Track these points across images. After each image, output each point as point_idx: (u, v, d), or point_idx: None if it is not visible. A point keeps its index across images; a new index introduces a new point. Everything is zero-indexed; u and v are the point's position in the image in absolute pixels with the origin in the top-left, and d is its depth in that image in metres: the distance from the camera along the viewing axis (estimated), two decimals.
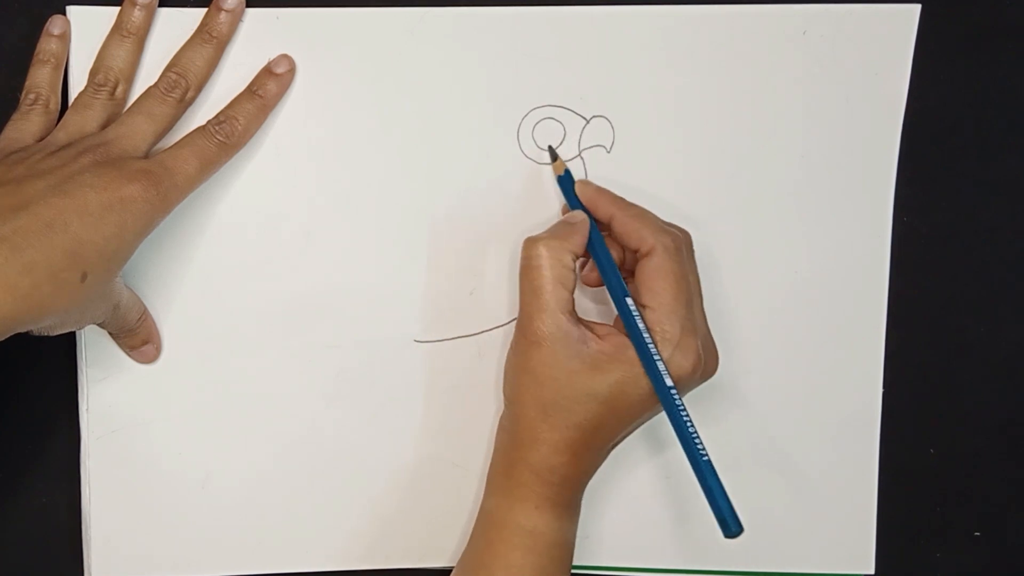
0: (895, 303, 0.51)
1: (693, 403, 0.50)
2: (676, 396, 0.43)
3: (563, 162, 0.49)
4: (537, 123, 0.50)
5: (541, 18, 0.49)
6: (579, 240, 0.45)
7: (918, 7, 0.49)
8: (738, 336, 0.51)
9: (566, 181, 0.48)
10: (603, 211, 0.47)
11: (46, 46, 0.48)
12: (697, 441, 0.43)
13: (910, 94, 0.50)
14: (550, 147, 0.49)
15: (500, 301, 0.50)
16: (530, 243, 0.45)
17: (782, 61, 0.50)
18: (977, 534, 0.53)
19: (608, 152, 0.50)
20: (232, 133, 0.47)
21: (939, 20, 0.50)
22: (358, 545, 0.51)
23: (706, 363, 0.45)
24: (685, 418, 0.43)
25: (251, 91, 0.48)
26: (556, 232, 0.45)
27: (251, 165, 0.49)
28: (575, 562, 0.51)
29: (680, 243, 0.45)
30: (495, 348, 0.50)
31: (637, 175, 0.50)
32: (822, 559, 0.52)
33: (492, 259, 0.50)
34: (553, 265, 0.44)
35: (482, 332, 0.50)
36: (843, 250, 0.51)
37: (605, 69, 0.49)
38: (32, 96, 0.47)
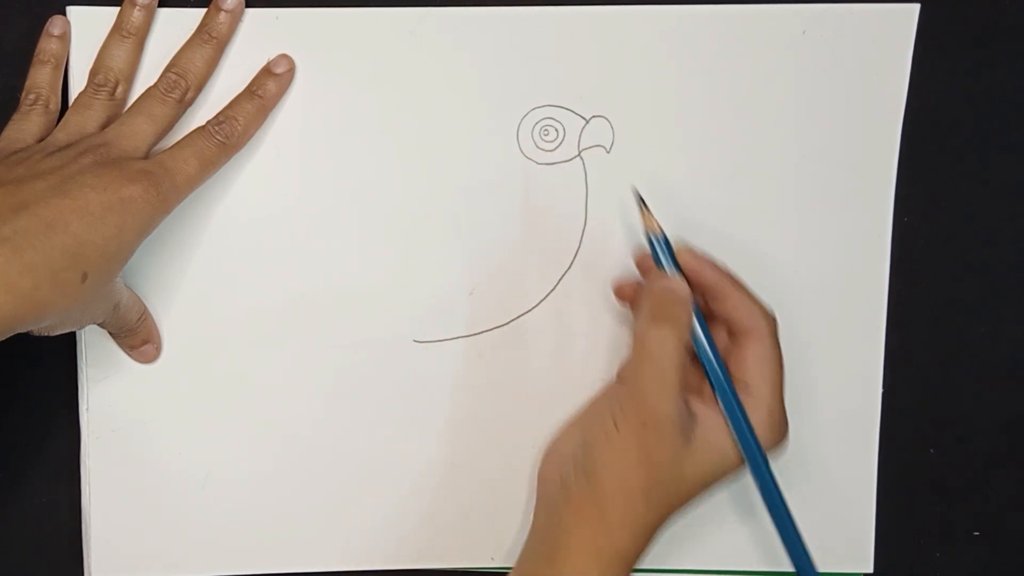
0: (895, 303, 0.51)
1: None
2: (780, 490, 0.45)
3: (654, 218, 0.46)
4: (536, 123, 0.50)
5: (541, 18, 0.49)
6: (691, 317, 0.44)
7: (917, 7, 0.49)
8: None
9: (663, 242, 0.46)
10: (714, 287, 0.45)
11: (46, 46, 0.48)
12: (799, 533, 0.45)
13: (910, 94, 0.50)
14: (637, 192, 0.47)
15: (500, 302, 0.50)
16: (652, 330, 0.43)
17: (782, 61, 0.49)
18: (977, 534, 0.53)
19: (608, 152, 0.50)
20: (232, 133, 0.47)
21: (939, 20, 0.50)
22: (358, 545, 0.51)
23: None
24: (788, 512, 0.45)
25: (251, 91, 0.48)
26: (670, 314, 0.44)
27: (250, 165, 0.49)
28: None
29: (776, 322, 0.45)
30: (495, 349, 0.50)
31: (637, 175, 0.49)
32: (821, 558, 0.51)
33: (492, 259, 0.50)
34: (680, 355, 0.43)
35: (482, 332, 0.50)
36: (843, 250, 0.51)
37: (604, 69, 0.49)
38: (32, 96, 0.47)
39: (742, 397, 0.44)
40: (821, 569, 0.51)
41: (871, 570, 0.52)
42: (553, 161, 0.50)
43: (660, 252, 0.46)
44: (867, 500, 0.52)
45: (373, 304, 0.50)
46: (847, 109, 0.50)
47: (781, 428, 0.45)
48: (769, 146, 0.50)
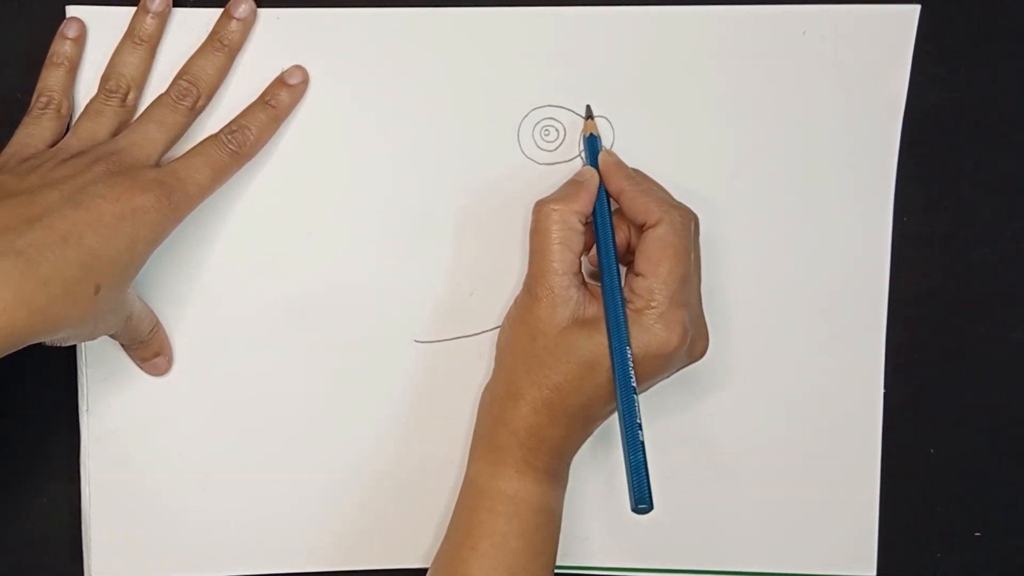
0: (895, 303, 0.51)
1: (692, 403, 0.50)
2: (630, 367, 0.43)
3: (595, 123, 0.49)
4: (537, 123, 0.50)
5: (541, 18, 0.49)
6: (587, 200, 0.45)
7: (917, 8, 0.49)
8: (739, 336, 0.51)
9: (592, 142, 0.48)
10: (614, 184, 0.46)
11: (60, 48, 0.48)
12: (637, 417, 0.42)
13: (910, 94, 0.50)
14: (588, 106, 0.49)
15: (501, 301, 0.50)
16: (540, 205, 0.45)
17: (782, 62, 0.49)
18: (977, 534, 0.53)
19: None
20: (244, 143, 0.47)
21: (939, 20, 0.50)
22: (359, 545, 0.51)
23: (693, 341, 0.44)
24: (631, 387, 0.42)
25: (263, 101, 0.48)
26: (564, 194, 0.46)
27: (251, 166, 0.49)
28: (574, 562, 0.51)
29: (688, 220, 0.45)
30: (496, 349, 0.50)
31: None
32: (824, 560, 0.52)
33: (492, 259, 0.50)
34: (560, 228, 0.44)
35: (482, 332, 0.50)
36: (843, 250, 0.51)
37: (605, 69, 0.49)
38: (44, 100, 0.47)
39: (634, 284, 0.44)
40: (823, 572, 0.51)
41: (874, 572, 0.52)
42: (554, 161, 0.50)
43: (588, 151, 0.48)
44: (870, 501, 0.52)
45: (374, 304, 0.50)
46: (847, 110, 0.50)
47: (673, 325, 0.43)
48: (769, 146, 0.50)
